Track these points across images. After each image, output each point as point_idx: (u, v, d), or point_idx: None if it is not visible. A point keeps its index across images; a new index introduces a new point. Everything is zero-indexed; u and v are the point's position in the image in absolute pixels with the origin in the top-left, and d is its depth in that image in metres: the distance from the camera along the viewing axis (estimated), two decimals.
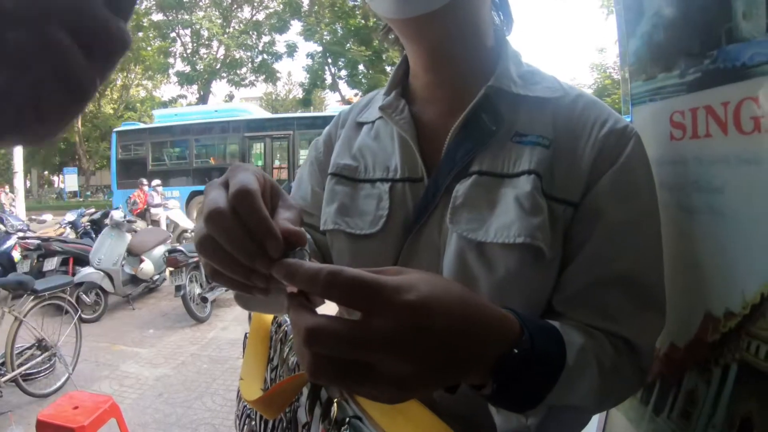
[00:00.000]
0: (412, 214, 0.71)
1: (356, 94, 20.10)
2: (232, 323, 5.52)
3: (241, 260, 0.44)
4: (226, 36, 23.41)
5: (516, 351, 0.48)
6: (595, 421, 1.03)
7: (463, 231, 0.65)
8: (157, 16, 24.31)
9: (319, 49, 21.31)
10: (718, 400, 0.69)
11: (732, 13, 0.66)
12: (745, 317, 0.65)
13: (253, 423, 0.97)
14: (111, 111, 30.76)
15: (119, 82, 30.64)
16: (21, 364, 3.56)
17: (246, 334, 1.00)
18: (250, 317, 1.01)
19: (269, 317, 0.92)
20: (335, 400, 0.65)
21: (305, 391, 0.74)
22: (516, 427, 0.58)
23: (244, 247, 0.43)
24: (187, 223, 10.44)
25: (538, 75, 0.74)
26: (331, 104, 41.09)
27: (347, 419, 0.61)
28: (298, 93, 28.81)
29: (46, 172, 35.21)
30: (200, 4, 24.71)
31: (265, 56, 24.16)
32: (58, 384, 3.77)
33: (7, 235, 6.51)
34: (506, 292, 0.64)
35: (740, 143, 0.65)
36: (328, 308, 0.50)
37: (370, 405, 0.64)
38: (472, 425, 0.58)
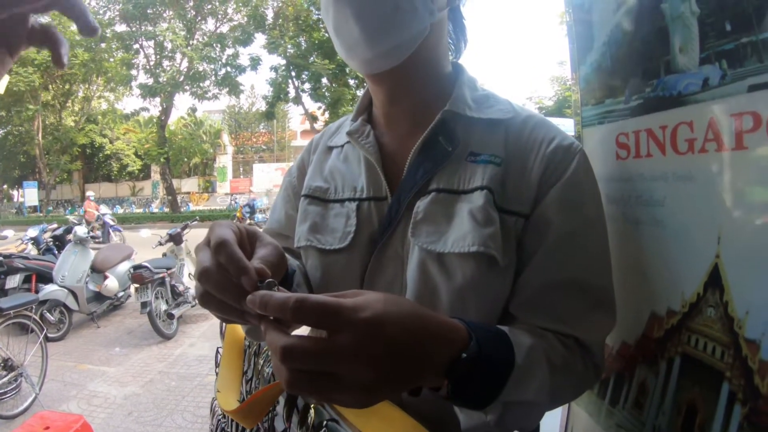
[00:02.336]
0: (378, 229, 0.77)
1: (319, 108, 20.04)
2: (199, 339, 5.45)
3: (232, 305, 0.52)
4: (189, 48, 23.06)
5: (464, 355, 0.54)
6: (558, 417, 1.10)
7: (423, 243, 0.71)
8: (121, 27, 23.80)
9: (283, 62, 21.16)
10: (665, 389, 0.77)
11: (670, 46, 0.75)
12: (684, 315, 0.73)
13: None
14: (72, 123, 29.92)
15: (81, 94, 29.87)
16: None
17: (218, 349, 1.02)
18: (221, 333, 1.04)
19: (242, 332, 0.95)
20: (312, 405, 0.69)
21: (282, 400, 0.77)
22: (477, 423, 0.63)
23: (231, 293, 0.52)
24: None
25: (492, 98, 0.81)
26: (294, 117, 40.99)
27: (324, 422, 0.65)
28: (262, 106, 28.57)
29: (5, 186, 33.98)
30: (164, 15, 24.30)
31: (228, 69, 23.83)
32: (25, 405, 3.66)
33: None
34: (465, 298, 0.70)
35: (676, 162, 0.74)
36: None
37: (349, 409, 0.68)
38: (438, 423, 0.62)
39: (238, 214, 16.69)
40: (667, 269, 0.77)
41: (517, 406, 0.61)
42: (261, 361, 0.90)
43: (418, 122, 0.78)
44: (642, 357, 0.83)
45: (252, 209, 17.08)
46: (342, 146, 0.88)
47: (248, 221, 14.02)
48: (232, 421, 0.97)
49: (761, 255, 0.60)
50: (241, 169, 41.10)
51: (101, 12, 23.37)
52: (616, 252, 0.76)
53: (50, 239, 7.88)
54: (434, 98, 0.79)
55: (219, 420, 1.07)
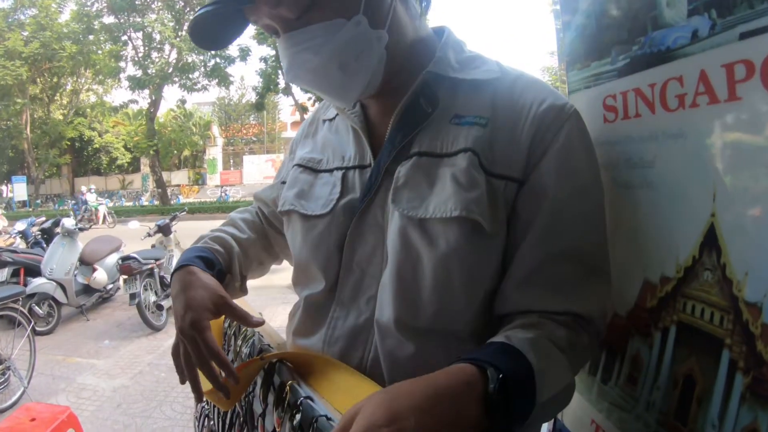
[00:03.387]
0: (359, 197, 0.75)
1: (309, 98, 19.84)
2: None
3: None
4: (178, 39, 22.85)
5: (492, 386, 0.51)
6: None
7: (404, 209, 0.68)
8: (109, 19, 23.49)
9: (273, 52, 20.93)
10: (660, 362, 0.73)
11: (657, 1, 0.71)
12: (679, 280, 0.69)
13: (212, 422, 0.97)
14: (60, 117, 29.68)
15: (69, 87, 29.59)
16: None
17: None
18: None
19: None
20: (288, 383, 0.66)
21: (259, 380, 0.76)
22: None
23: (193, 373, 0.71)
24: None
25: (479, 60, 0.77)
26: (285, 108, 40.81)
27: (299, 401, 0.62)
28: (252, 97, 28.35)
29: None
30: (152, 6, 24.04)
31: (217, 60, 23.66)
32: (14, 398, 3.63)
33: None
34: (449, 267, 0.66)
35: (666, 120, 0.70)
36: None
37: (322, 386, 0.66)
38: None
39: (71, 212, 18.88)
40: (660, 233, 0.73)
41: (554, 398, 0.59)
42: (240, 342, 0.88)
43: (401, 87, 0.75)
44: (635, 329, 0.80)
45: (79, 206, 19.56)
46: (333, 119, 0.88)
47: (80, 216, 14.38)
48: (214, 406, 0.95)
49: (760, 210, 0.56)
50: (232, 161, 40.80)
51: (89, 4, 23.09)
52: (607, 219, 0.73)
53: (38, 232, 7.80)
54: (417, 64, 0.75)
55: (203, 407, 1.05)
